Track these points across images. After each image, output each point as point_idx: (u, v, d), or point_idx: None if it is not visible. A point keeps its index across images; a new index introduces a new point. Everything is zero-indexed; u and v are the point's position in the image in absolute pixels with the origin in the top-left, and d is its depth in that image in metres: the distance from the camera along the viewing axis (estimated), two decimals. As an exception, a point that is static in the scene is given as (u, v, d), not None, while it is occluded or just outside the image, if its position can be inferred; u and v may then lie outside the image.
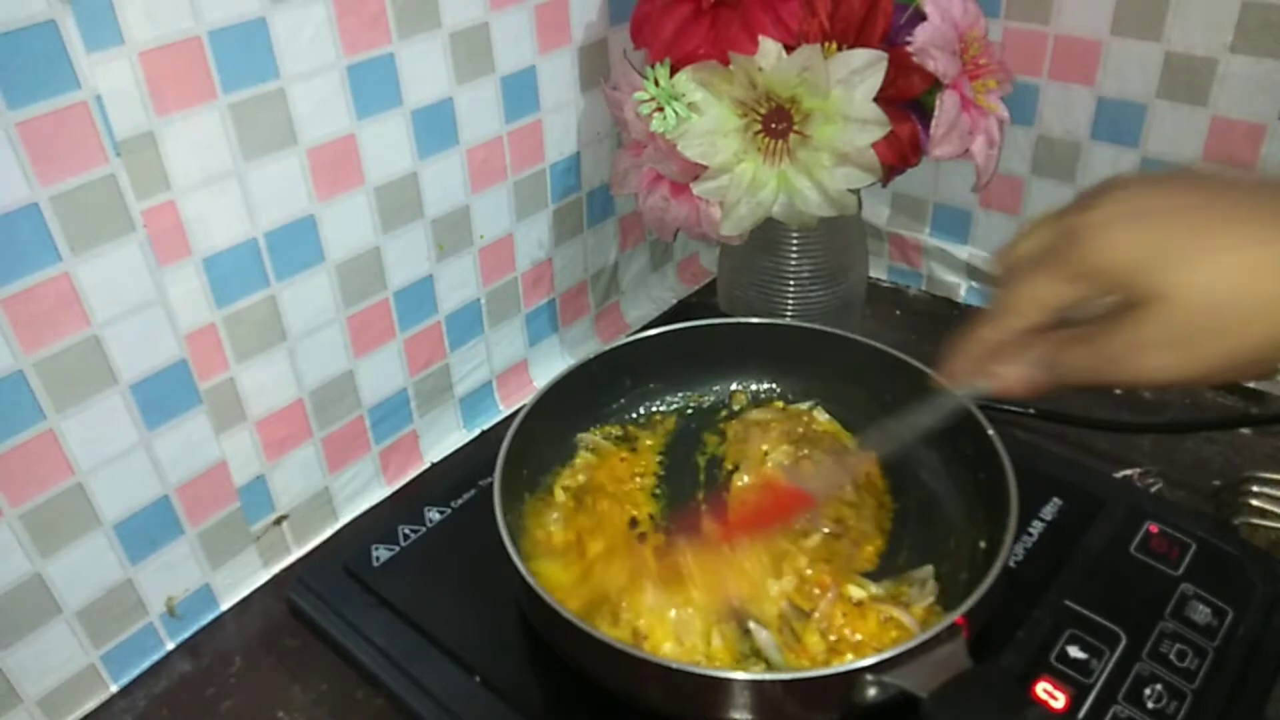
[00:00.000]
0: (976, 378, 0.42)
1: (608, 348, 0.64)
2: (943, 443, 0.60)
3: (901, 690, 0.44)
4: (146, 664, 0.57)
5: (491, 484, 0.53)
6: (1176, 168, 0.38)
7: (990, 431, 0.55)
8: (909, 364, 0.60)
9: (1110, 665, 0.50)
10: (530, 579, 0.48)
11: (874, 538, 0.57)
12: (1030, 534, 0.58)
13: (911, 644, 0.44)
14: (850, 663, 0.44)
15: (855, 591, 0.52)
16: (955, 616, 0.46)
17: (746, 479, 0.60)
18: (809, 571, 0.53)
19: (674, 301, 0.88)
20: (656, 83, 0.60)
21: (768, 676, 0.46)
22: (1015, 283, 0.39)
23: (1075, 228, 0.37)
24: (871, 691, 0.45)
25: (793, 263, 0.74)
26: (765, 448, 0.62)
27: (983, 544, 0.54)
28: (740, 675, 0.45)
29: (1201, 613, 0.52)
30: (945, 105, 0.60)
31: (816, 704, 0.47)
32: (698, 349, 0.67)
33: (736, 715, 0.46)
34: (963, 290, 0.85)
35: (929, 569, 0.55)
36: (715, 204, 0.64)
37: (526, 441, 0.58)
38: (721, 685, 0.45)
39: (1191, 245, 0.35)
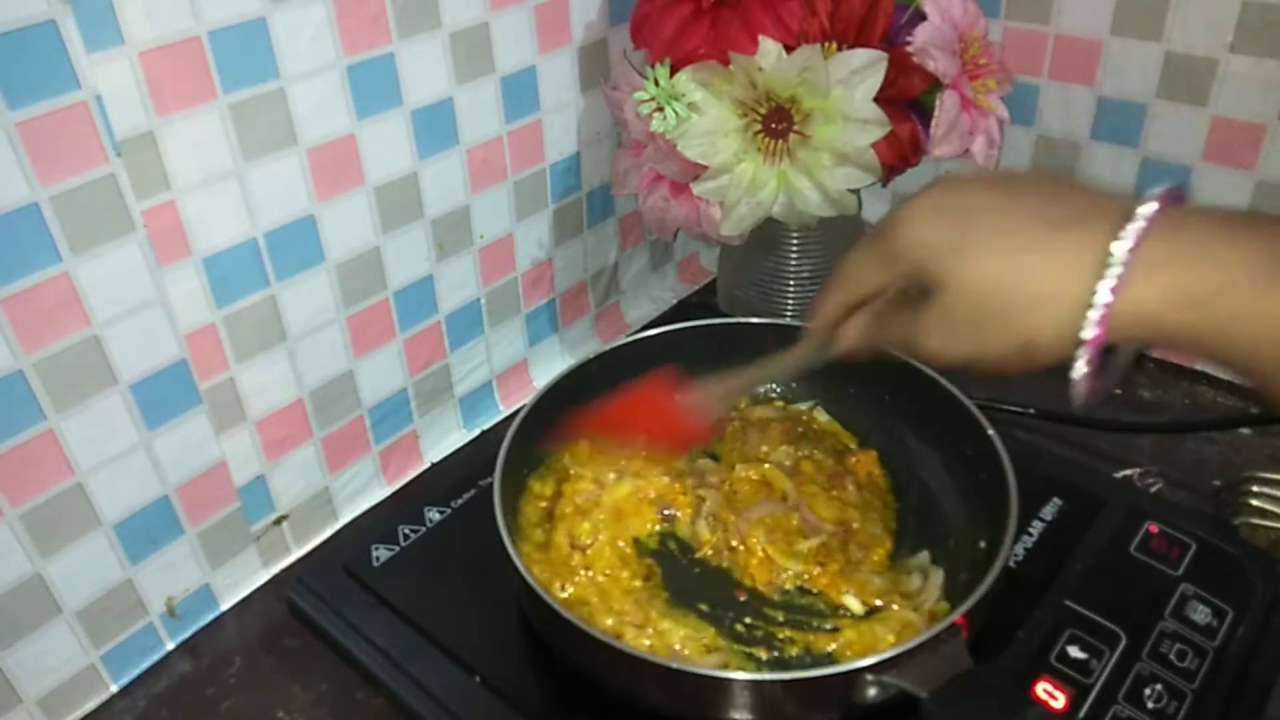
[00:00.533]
0: (829, 335, 0.48)
1: (607, 347, 0.64)
2: (942, 443, 0.60)
3: (901, 690, 0.44)
4: (146, 664, 0.57)
5: (492, 484, 0.53)
6: (1019, 171, 0.43)
7: (990, 431, 0.55)
8: (907, 364, 0.60)
9: (1110, 665, 0.50)
10: (530, 578, 0.48)
11: (883, 540, 0.57)
12: (1030, 534, 0.58)
13: (912, 644, 0.44)
14: (850, 663, 0.44)
15: (852, 603, 0.52)
16: (955, 616, 0.46)
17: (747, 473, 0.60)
18: (814, 571, 0.54)
19: (674, 301, 0.88)
20: (656, 83, 0.60)
21: (768, 677, 0.46)
22: (846, 259, 0.45)
23: (892, 216, 0.41)
24: (871, 691, 0.45)
25: (793, 263, 0.74)
26: (765, 448, 0.62)
27: (983, 544, 0.54)
28: (740, 675, 0.46)
29: (1201, 613, 0.53)
30: (945, 105, 0.60)
31: (816, 704, 0.47)
32: (697, 349, 0.66)
33: (736, 715, 0.46)
34: (963, 290, 0.85)
35: (924, 555, 0.55)
36: (715, 204, 0.64)
37: (527, 441, 0.58)
38: (721, 685, 0.45)
39: (968, 243, 0.38)
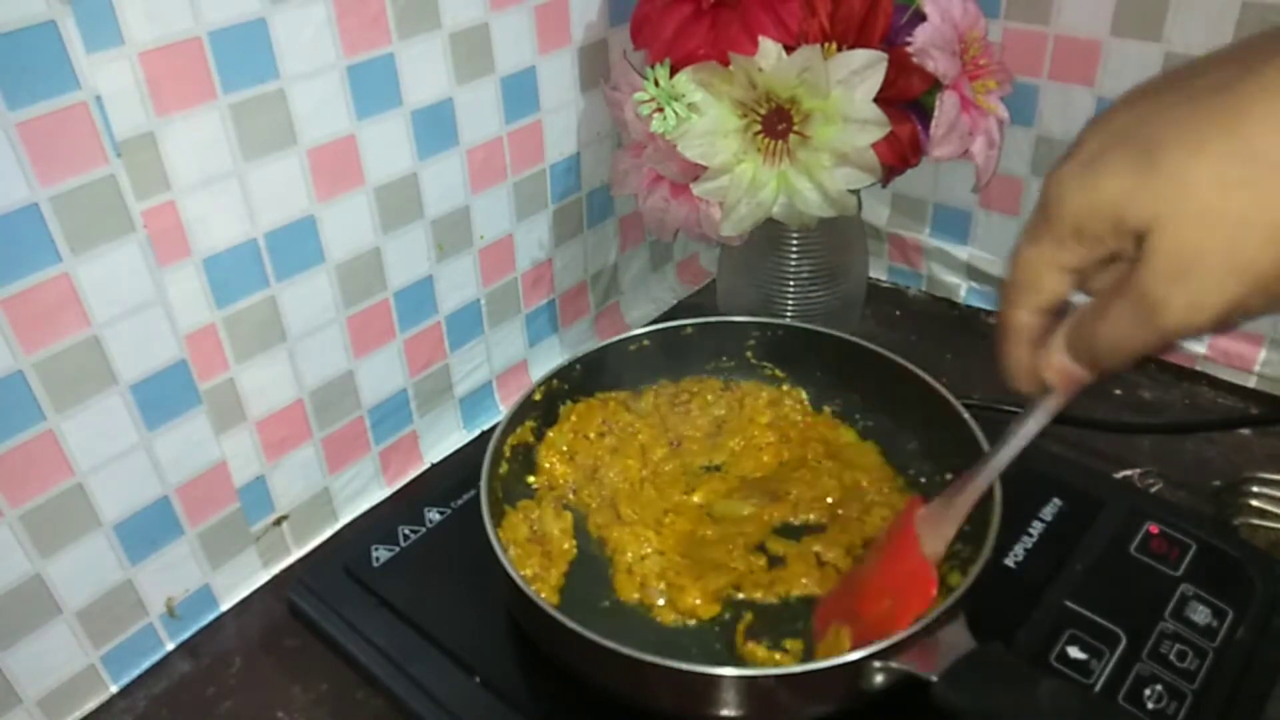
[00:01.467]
0: (1035, 373, 0.39)
1: (595, 346, 0.64)
2: (918, 430, 0.61)
3: (909, 674, 0.44)
4: (146, 664, 0.57)
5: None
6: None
7: (965, 415, 0.56)
8: (897, 363, 0.62)
9: (1110, 666, 0.50)
10: (518, 577, 0.49)
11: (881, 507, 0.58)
12: (1030, 534, 0.58)
13: (914, 629, 0.45)
14: (854, 652, 0.44)
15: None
16: (953, 599, 0.46)
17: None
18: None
19: (674, 302, 0.88)
20: (656, 83, 0.60)
21: (771, 671, 0.46)
22: (1018, 262, 0.37)
23: (1045, 190, 0.35)
24: (879, 678, 0.45)
25: (793, 263, 0.74)
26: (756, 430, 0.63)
27: (967, 527, 0.55)
28: (743, 672, 0.45)
29: (1201, 613, 0.52)
30: (945, 106, 0.60)
31: (824, 695, 0.47)
32: (691, 347, 0.67)
33: (744, 710, 0.46)
34: (963, 291, 0.85)
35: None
36: (715, 204, 0.64)
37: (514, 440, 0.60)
38: (725, 682, 0.45)
39: (1160, 159, 0.31)
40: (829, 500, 0.59)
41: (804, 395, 0.66)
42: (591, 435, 0.62)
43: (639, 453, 0.62)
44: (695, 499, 0.59)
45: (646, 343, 0.65)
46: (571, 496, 0.60)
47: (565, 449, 0.62)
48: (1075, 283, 0.36)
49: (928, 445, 0.61)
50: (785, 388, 0.67)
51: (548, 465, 0.61)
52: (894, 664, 0.44)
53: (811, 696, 0.47)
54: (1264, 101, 0.30)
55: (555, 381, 0.62)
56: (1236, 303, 0.31)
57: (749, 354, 0.68)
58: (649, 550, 0.56)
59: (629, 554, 0.56)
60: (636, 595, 0.54)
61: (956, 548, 0.54)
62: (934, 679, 0.43)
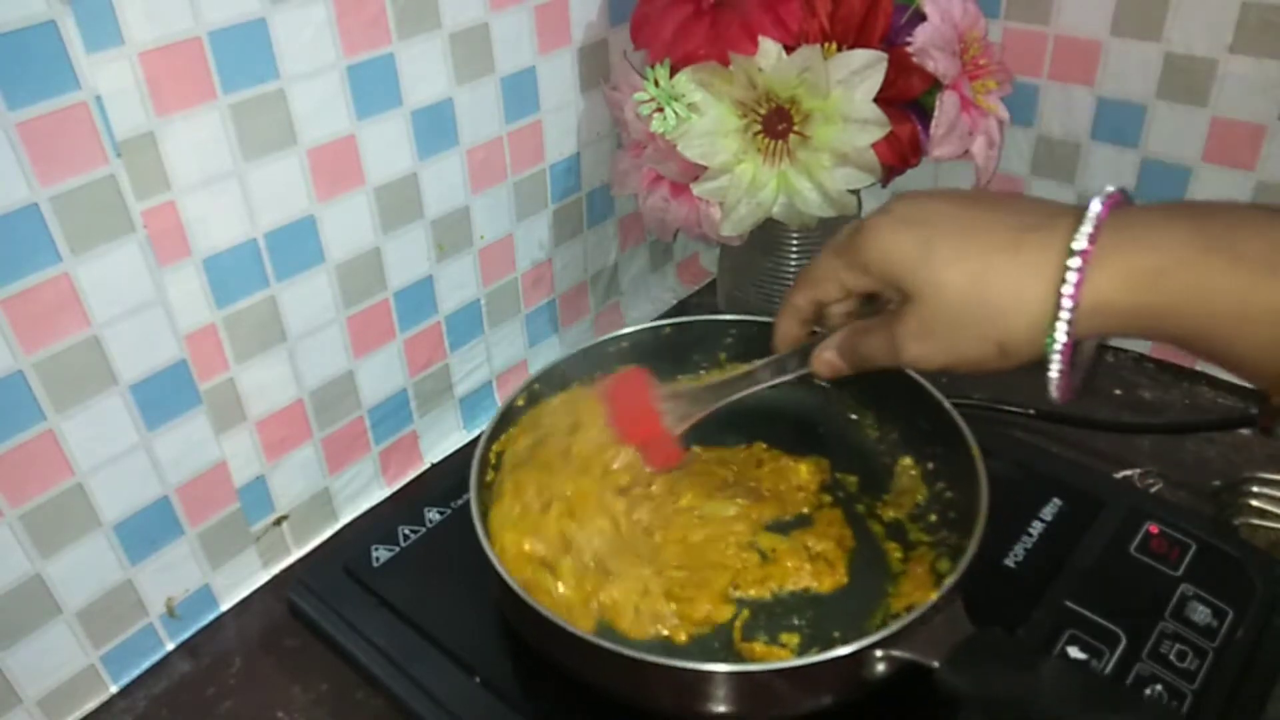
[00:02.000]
0: (793, 341, 0.50)
1: (574, 350, 0.64)
2: (898, 419, 0.62)
3: (910, 662, 0.44)
4: (146, 664, 0.57)
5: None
6: (979, 189, 0.47)
7: (945, 404, 0.56)
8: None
9: (1110, 666, 0.50)
10: (508, 577, 0.48)
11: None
12: (1030, 534, 0.58)
13: (913, 616, 0.45)
14: (856, 643, 0.44)
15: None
16: (949, 585, 0.46)
17: None
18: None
19: (674, 302, 0.88)
20: (656, 83, 0.60)
21: (772, 666, 0.46)
22: (815, 259, 0.46)
23: (861, 225, 0.43)
24: (880, 667, 0.45)
25: (793, 263, 0.74)
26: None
27: (952, 514, 0.56)
28: (745, 668, 0.46)
29: (1201, 613, 0.52)
30: (945, 106, 0.60)
31: (825, 687, 0.47)
32: (671, 347, 0.66)
33: (747, 706, 0.46)
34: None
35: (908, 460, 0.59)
36: (715, 204, 0.64)
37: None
38: (729, 680, 0.45)
39: (937, 252, 0.40)
40: (807, 490, 0.59)
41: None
42: (537, 509, 0.55)
43: (599, 507, 0.55)
44: (682, 503, 0.59)
45: (625, 344, 0.65)
46: (550, 576, 0.54)
47: (522, 538, 0.54)
48: (842, 296, 0.46)
49: (909, 434, 0.61)
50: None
51: (512, 549, 0.54)
52: (895, 652, 0.45)
53: (813, 689, 0.47)
54: (1025, 252, 0.38)
55: (537, 386, 0.61)
56: (948, 367, 0.42)
57: (723, 354, 0.67)
58: (652, 589, 0.54)
59: (632, 608, 0.53)
60: (651, 631, 0.52)
61: (943, 534, 0.55)
62: (936, 665, 0.44)
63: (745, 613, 0.53)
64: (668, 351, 0.66)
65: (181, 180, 0.50)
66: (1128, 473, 0.66)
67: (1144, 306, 0.36)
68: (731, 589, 0.54)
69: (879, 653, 0.45)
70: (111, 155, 0.46)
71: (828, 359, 0.48)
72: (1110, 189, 0.38)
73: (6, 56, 0.41)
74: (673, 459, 0.56)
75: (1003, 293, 0.39)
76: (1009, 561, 0.56)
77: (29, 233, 0.44)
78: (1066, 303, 0.37)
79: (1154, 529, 0.57)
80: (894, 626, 0.44)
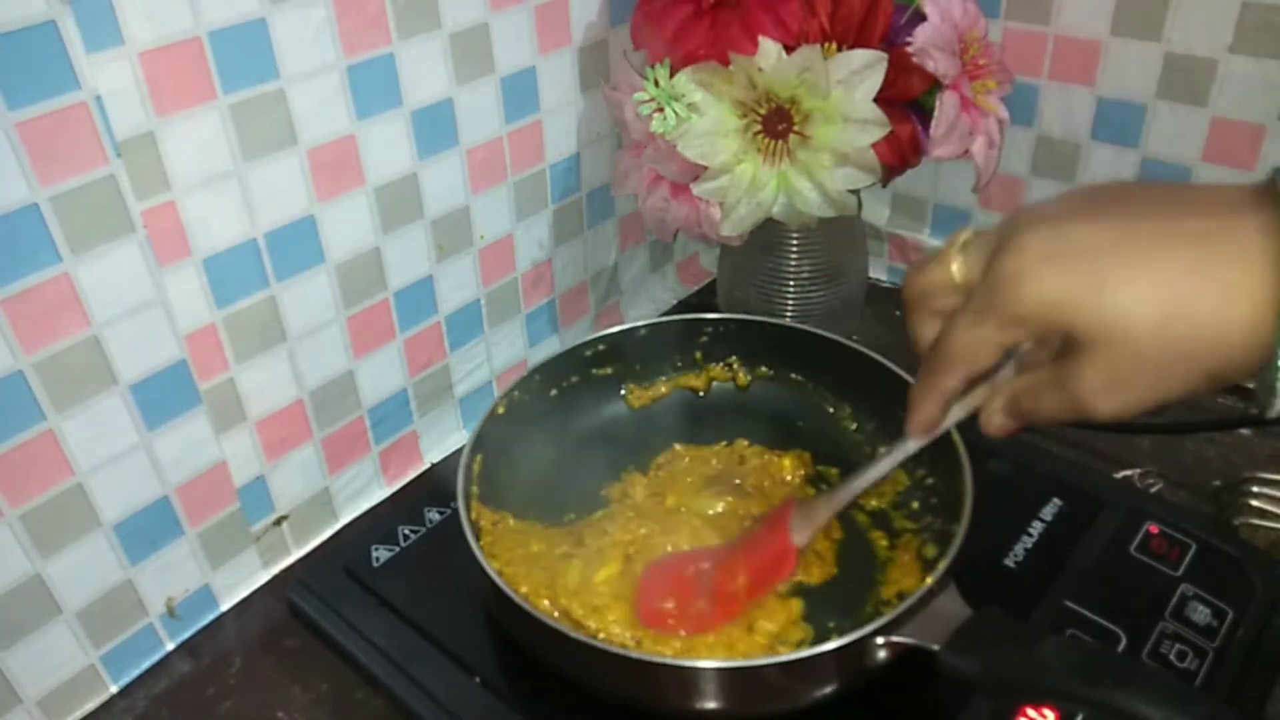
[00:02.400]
0: (934, 426, 0.44)
1: (552, 354, 0.64)
2: (875, 410, 0.62)
3: (912, 647, 0.45)
4: (146, 664, 0.57)
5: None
6: (1084, 189, 0.38)
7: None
8: (851, 348, 0.63)
9: (1110, 665, 0.50)
10: (497, 578, 0.48)
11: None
12: (1030, 534, 0.58)
13: (910, 602, 0.45)
14: (857, 631, 0.44)
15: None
16: (942, 569, 0.47)
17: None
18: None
19: (674, 302, 0.88)
20: (656, 83, 0.60)
21: (776, 660, 0.45)
22: (952, 330, 0.39)
23: (997, 273, 0.37)
24: (882, 654, 0.45)
25: (793, 263, 0.74)
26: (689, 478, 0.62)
27: (934, 500, 0.56)
28: (746, 663, 0.46)
29: (1201, 613, 0.52)
30: (945, 106, 0.60)
31: (828, 677, 0.47)
32: (647, 348, 0.67)
33: (749, 699, 0.46)
34: (963, 291, 0.85)
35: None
36: (715, 204, 0.64)
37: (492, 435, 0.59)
38: (727, 675, 0.45)
39: (1112, 287, 0.34)
40: (789, 479, 0.60)
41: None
42: (517, 562, 0.55)
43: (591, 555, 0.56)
44: (668, 502, 0.59)
45: (603, 347, 0.65)
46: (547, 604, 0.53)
47: (509, 568, 0.54)
48: (997, 363, 0.40)
49: (887, 423, 0.61)
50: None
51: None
52: (896, 638, 0.45)
53: (815, 680, 0.47)
54: (1220, 267, 0.33)
55: (517, 393, 0.61)
56: (1152, 406, 0.36)
57: (698, 354, 0.68)
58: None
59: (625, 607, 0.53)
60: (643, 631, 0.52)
61: (927, 520, 0.56)
62: (938, 649, 0.44)
63: None
64: (644, 353, 0.66)
65: (181, 180, 0.50)
66: (1128, 473, 0.66)
67: None
68: None
69: (880, 640, 0.45)
70: (111, 155, 0.46)
71: (999, 424, 0.41)
72: (1267, 175, 0.34)
73: (6, 56, 0.41)
74: (790, 562, 0.53)
75: (1206, 322, 0.33)
76: (1009, 561, 0.56)
77: (29, 233, 0.44)
78: None
79: (1154, 529, 0.57)
80: (893, 613, 0.45)
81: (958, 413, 0.43)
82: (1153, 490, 0.64)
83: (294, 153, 0.54)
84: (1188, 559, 0.55)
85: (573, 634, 0.47)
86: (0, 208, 0.43)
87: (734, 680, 0.46)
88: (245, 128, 0.51)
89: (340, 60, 0.54)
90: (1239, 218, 0.33)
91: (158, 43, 0.47)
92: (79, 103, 0.44)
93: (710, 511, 0.58)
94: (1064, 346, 0.36)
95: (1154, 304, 0.34)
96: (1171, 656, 0.50)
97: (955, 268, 0.40)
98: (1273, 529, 0.59)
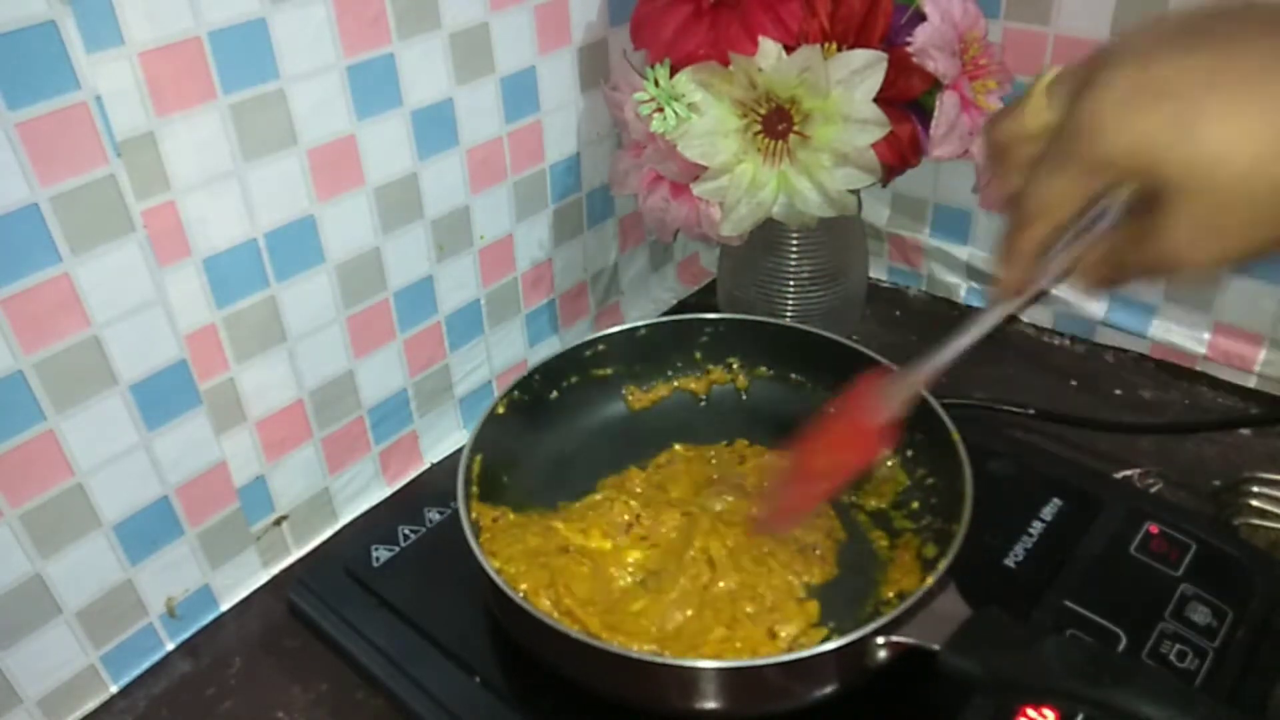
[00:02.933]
0: (1025, 285, 0.40)
1: (551, 355, 0.64)
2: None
3: (913, 647, 0.45)
4: (146, 664, 0.57)
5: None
6: (1175, 16, 0.35)
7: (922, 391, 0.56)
8: (851, 349, 0.63)
9: (1110, 666, 0.50)
10: (497, 577, 0.48)
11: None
12: (1030, 534, 0.58)
13: (910, 602, 0.45)
14: (857, 631, 0.44)
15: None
16: (942, 568, 0.47)
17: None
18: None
19: (674, 302, 0.88)
20: (656, 83, 0.60)
21: (770, 661, 0.46)
22: (1032, 181, 0.37)
23: (1079, 115, 0.34)
24: (882, 654, 0.45)
25: (793, 263, 0.74)
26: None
27: (934, 500, 0.56)
28: (741, 663, 0.46)
29: (1201, 613, 0.52)
30: (945, 106, 0.60)
31: (827, 677, 0.47)
32: (647, 348, 0.67)
33: (751, 700, 0.46)
34: (963, 291, 0.85)
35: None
36: (715, 204, 0.64)
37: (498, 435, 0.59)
38: (727, 675, 0.45)
39: (1204, 124, 0.32)
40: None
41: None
42: (517, 559, 0.54)
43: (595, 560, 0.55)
44: (673, 494, 0.59)
45: (602, 347, 0.65)
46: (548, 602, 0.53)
47: (509, 565, 0.54)
48: (1086, 210, 0.37)
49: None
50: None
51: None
52: (896, 638, 0.45)
53: (815, 680, 0.47)
54: None
55: (517, 393, 0.61)
56: (1247, 257, 0.33)
57: (698, 354, 0.68)
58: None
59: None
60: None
61: (927, 520, 0.56)
62: (938, 648, 0.44)
63: None
64: (643, 353, 0.66)
65: (181, 180, 0.50)
66: (1128, 473, 0.66)
67: None
68: None
69: (880, 640, 0.45)
70: (111, 155, 0.46)
71: (1092, 282, 0.39)
72: None
73: (6, 56, 0.41)
74: (875, 443, 0.50)
75: None
76: (1009, 561, 0.56)
77: (29, 233, 0.44)
78: None
79: (1154, 529, 0.57)
80: (893, 613, 0.45)
81: (1054, 270, 0.39)
82: (1153, 490, 0.64)
83: (294, 153, 0.54)
84: (1188, 559, 0.55)
85: (573, 634, 0.47)
86: (0, 208, 0.43)
87: (733, 680, 0.46)
88: (245, 128, 0.51)
89: (340, 60, 0.54)
90: None
91: (158, 43, 0.47)
92: (79, 103, 0.44)
93: (711, 511, 0.58)
94: (1153, 197, 0.34)
95: (1246, 144, 0.31)
96: (1171, 656, 0.50)
97: (1034, 111, 0.37)
98: (1273, 529, 0.59)
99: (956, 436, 0.53)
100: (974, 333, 0.44)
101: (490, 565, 0.50)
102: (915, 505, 0.58)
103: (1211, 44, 0.33)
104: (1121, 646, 0.51)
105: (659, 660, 0.47)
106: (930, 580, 0.47)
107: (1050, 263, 0.39)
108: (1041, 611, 0.53)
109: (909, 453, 0.59)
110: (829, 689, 0.47)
